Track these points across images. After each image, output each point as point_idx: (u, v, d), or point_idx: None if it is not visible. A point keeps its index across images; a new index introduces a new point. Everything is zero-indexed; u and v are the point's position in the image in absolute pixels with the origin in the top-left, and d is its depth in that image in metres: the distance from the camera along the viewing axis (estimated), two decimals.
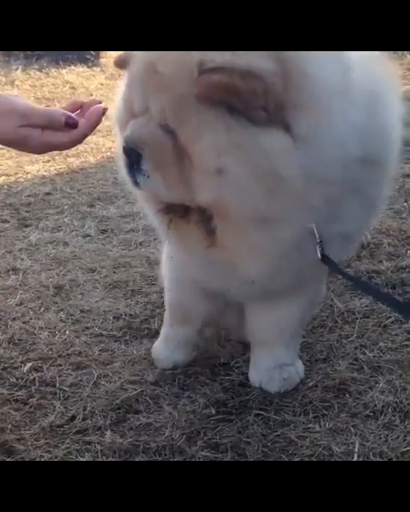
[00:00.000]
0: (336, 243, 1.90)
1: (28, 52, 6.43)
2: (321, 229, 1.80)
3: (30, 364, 2.42)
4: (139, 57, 1.76)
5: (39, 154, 1.70)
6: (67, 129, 1.55)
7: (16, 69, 6.29)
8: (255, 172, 1.66)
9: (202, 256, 1.89)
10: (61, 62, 6.24)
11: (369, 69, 1.84)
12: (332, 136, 1.69)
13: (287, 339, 2.25)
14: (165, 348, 2.38)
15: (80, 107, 1.65)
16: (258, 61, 1.63)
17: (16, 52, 6.50)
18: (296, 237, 1.80)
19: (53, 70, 6.19)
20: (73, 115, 1.59)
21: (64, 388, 2.31)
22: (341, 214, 1.85)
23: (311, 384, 2.27)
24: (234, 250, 1.81)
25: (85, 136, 1.67)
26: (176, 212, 1.85)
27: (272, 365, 2.25)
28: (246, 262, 1.85)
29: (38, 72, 6.20)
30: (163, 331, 2.43)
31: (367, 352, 2.40)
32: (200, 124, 1.66)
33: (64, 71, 6.16)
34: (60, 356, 2.47)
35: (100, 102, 1.71)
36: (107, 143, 4.60)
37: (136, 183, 1.79)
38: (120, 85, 1.91)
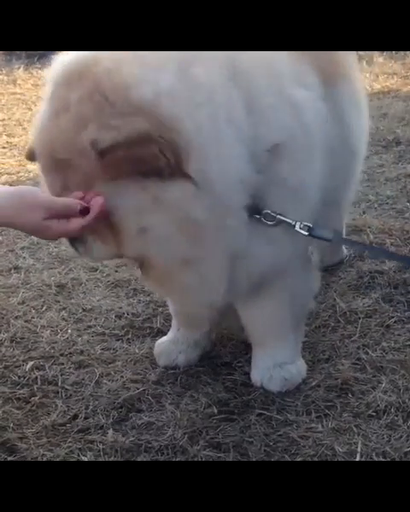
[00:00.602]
0: (282, 239, 1.94)
1: (30, 51, 6.44)
2: (265, 231, 1.88)
3: (32, 363, 2.42)
4: (37, 143, 1.81)
5: (55, 240, 1.99)
6: (80, 216, 1.72)
7: (18, 68, 6.29)
8: (175, 222, 1.75)
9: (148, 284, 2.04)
10: None
11: (243, 75, 1.84)
12: (220, 166, 1.75)
13: (283, 336, 2.25)
14: (173, 348, 2.38)
15: (82, 198, 1.76)
16: (140, 124, 1.67)
17: (18, 51, 6.50)
18: (226, 264, 1.88)
19: None
20: (85, 204, 1.72)
21: (66, 387, 2.31)
22: (269, 207, 1.88)
23: (313, 384, 2.26)
24: (169, 292, 1.95)
25: (92, 222, 1.77)
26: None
27: (272, 364, 2.26)
28: (186, 299, 1.97)
29: (40, 71, 6.19)
30: (171, 332, 2.43)
31: (370, 352, 2.40)
32: (112, 195, 1.73)
33: None
34: (62, 354, 2.47)
35: (99, 195, 1.77)
36: None
37: (78, 253, 1.88)
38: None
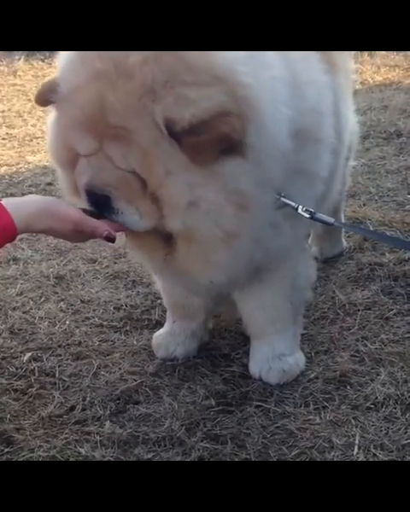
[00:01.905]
0: (285, 224, 1.97)
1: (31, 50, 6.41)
2: (271, 215, 1.89)
3: (30, 354, 2.42)
4: (77, 101, 1.74)
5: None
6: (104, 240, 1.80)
7: (19, 59, 6.26)
8: (225, 196, 1.75)
9: (162, 265, 1.95)
10: None
11: (289, 64, 1.87)
12: (271, 137, 1.77)
13: (280, 327, 2.24)
14: (171, 340, 2.38)
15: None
16: (218, 96, 1.67)
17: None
18: (252, 243, 1.89)
19: (56, 60, 6.17)
20: (113, 233, 1.77)
21: (64, 378, 2.30)
22: (290, 196, 1.90)
23: (312, 376, 2.26)
24: (193, 265, 1.89)
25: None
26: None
27: (270, 355, 2.25)
28: (203, 273, 1.93)
29: (40, 63, 6.18)
30: (167, 325, 2.43)
31: (369, 344, 2.39)
32: (168, 170, 1.72)
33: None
34: (60, 346, 2.47)
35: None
36: None
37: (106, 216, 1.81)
38: (50, 120, 1.90)
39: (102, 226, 1.76)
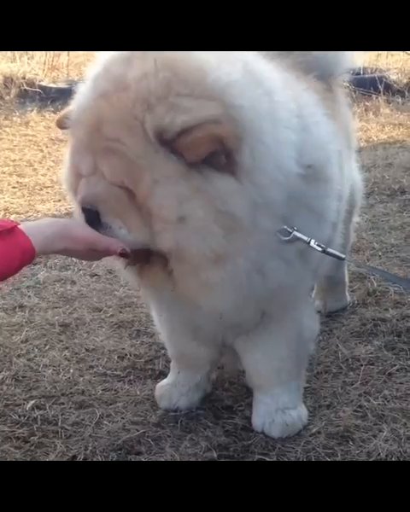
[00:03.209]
0: (296, 260, 1.99)
1: (43, 94, 6.57)
2: (281, 248, 1.91)
3: (33, 402, 2.42)
4: (82, 120, 1.84)
5: None
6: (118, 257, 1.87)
7: (31, 111, 6.42)
8: (214, 215, 1.77)
9: (172, 297, 1.96)
10: None
11: (291, 90, 1.96)
12: (273, 164, 1.81)
13: (284, 379, 2.25)
14: (174, 390, 2.38)
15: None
16: (213, 108, 1.73)
17: (31, 94, 6.64)
18: (249, 269, 1.89)
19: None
20: (127, 248, 1.83)
21: (66, 427, 2.30)
22: (300, 232, 1.92)
23: (314, 430, 2.25)
24: (192, 290, 1.90)
25: None
26: (141, 260, 1.92)
27: (273, 408, 2.25)
28: (206, 299, 1.92)
29: (52, 114, 6.31)
30: (171, 376, 2.43)
31: (372, 400, 2.39)
32: (155, 181, 1.76)
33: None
34: (63, 394, 2.47)
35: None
36: None
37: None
38: (68, 148, 1.99)
39: (115, 243, 1.82)
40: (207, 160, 1.73)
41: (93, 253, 1.86)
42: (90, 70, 1.90)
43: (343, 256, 2.05)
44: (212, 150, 1.72)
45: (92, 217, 1.83)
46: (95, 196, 1.83)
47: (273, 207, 1.84)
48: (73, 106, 1.91)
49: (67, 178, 1.99)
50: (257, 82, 1.84)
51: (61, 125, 1.97)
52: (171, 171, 1.74)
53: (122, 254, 1.82)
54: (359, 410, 2.35)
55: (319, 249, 1.95)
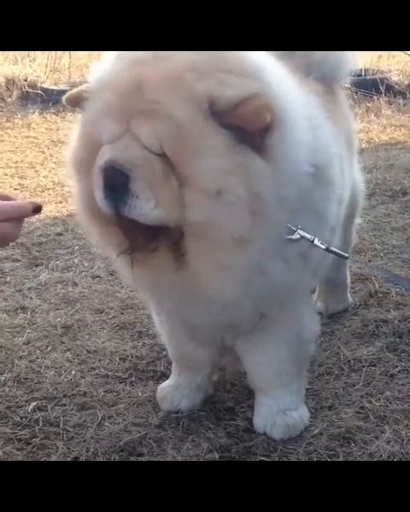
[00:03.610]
0: (296, 261, 1.99)
1: (45, 96, 6.58)
2: (282, 248, 1.91)
3: (34, 404, 2.42)
4: (111, 85, 1.78)
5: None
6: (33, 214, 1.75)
7: (33, 112, 6.42)
8: (247, 194, 1.75)
9: (172, 284, 1.90)
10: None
11: (304, 92, 1.99)
12: (293, 157, 1.83)
13: (285, 381, 2.25)
14: (176, 392, 2.38)
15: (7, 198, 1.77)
16: (256, 84, 1.75)
17: (33, 96, 6.65)
18: (262, 259, 1.88)
19: (69, 114, 6.31)
20: (37, 202, 1.74)
21: (68, 429, 2.30)
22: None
23: (316, 431, 2.25)
24: (204, 271, 1.85)
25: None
26: (138, 249, 1.87)
27: (275, 410, 2.25)
28: (214, 283, 1.88)
29: (54, 116, 6.33)
30: (172, 377, 2.43)
31: (373, 401, 2.39)
32: (201, 149, 1.72)
33: (80, 115, 6.28)
34: (65, 396, 2.47)
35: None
36: None
37: (116, 207, 1.76)
38: (74, 129, 1.94)
39: (24, 203, 1.72)
40: (247, 138, 1.72)
41: (10, 226, 1.68)
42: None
43: (346, 255, 2.06)
44: (269, 120, 1.72)
45: (119, 182, 1.72)
46: (126, 158, 1.73)
47: (287, 201, 1.83)
48: (92, 79, 1.86)
49: (77, 156, 1.89)
50: (283, 75, 1.89)
51: (75, 98, 1.87)
52: (218, 142, 1.72)
53: (36, 210, 1.71)
54: (361, 411, 2.35)
55: (323, 247, 1.96)
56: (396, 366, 2.59)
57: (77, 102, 1.88)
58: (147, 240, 1.84)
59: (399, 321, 2.87)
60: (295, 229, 1.91)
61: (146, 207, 1.74)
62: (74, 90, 1.90)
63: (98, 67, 1.89)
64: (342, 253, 2.03)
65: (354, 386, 2.49)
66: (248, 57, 1.81)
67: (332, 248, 1.99)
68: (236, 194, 1.73)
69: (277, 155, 1.78)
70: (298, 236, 1.92)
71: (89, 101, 1.83)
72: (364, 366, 2.60)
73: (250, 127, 1.72)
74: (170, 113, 1.71)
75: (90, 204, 1.86)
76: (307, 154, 1.87)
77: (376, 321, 2.89)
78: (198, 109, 1.71)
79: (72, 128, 1.98)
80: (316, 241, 1.94)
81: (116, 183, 1.73)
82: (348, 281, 3.06)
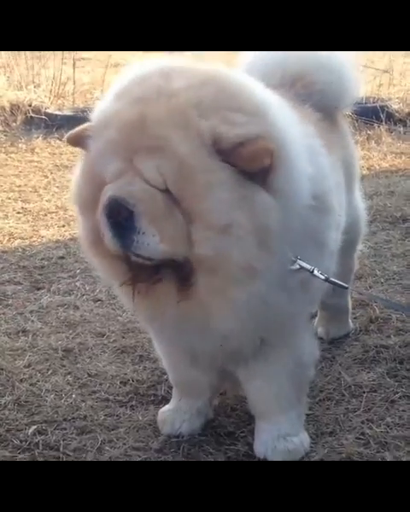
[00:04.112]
0: (297, 289, 2.01)
1: (49, 122, 6.64)
2: (284, 278, 1.92)
3: (34, 427, 2.42)
4: (114, 122, 1.80)
5: None
6: None
7: (37, 137, 6.47)
8: (254, 227, 1.77)
9: (174, 315, 1.91)
10: None
11: (301, 122, 2.01)
12: (297, 191, 1.86)
13: (285, 406, 2.25)
14: (176, 417, 2.38)
15: None
16: (262, 124, 1.79)
17: (37, 121, 6.71)
18: (268, 289, 1.89)
19: None
20: None
21: (68, 452, 2.29)
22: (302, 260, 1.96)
23: (316, 458, 2.24)
24: (211, 304, 1.87)
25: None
26: (141, 280, 1.88)
27: (275, 435, 2.24)
28: (220, 315, 1.90)
29: (57, 141, 6.37)
30: (173, 402, 2.43)
31: (374, 427, 2.39)
32: (208, 184, 1.74)
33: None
34: (65, 419, 2.47)
35: None
36: None
37: (123, 246, 1.79)
38: (77, 167, 1.95)
39: None
40: (257, 171, 1.76)
41: None
42: (114, 85, 1.90)
43: (346, 285, 2.08)
44: (269, 162, 1.75)
45: (123, 218, 1.74)
46: (131, 194, 1.75)
47: (291, 235, 1.87)
48: (94, 118, 1.88)
49: (81, 194, 1.91)
50: (285, 109, 1.93)
51: (77, 137, 1.89)
52: (224, 177, 1.74)
53: None
54: (361, 437, 2.35)
55: (322, 278, 1.97)
56: (397, 392, 2.59)
57: (78, 142, 1.91)
58: (151, 272, 1.86)
59: (399, 347, 2.87)
60: (295, 259, 1.93)
61: (152, 243, 1.76)
62: (75, 130, 1.92)
63: (99, 107, 1.92)
64: (342, 284, 2.05)
65: (355, 411, 2.49)
66: (252, 93, 1.84)
67: (331, 279, 2.01)
68: (243, 227, 1.76)
69: (281, 190, 1.81)
70: (298, 267, 1.94)
71: (91, 139, 1.85)
72: (365, 392, 2.60)
73: (249, 169, 1.75)
74: (174, 149, 1.73)
75: (94, 239, 1.89)
76: (309, 186, 1.90)
77: (376, 347, 2.89)
78: (202, 146, 1.73)
79: (75, 163, 2.01)
80: (315, 272, 1.96)
81: (120, 218, 1.75)
82: (350, 306, 3.07)
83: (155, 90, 1.79)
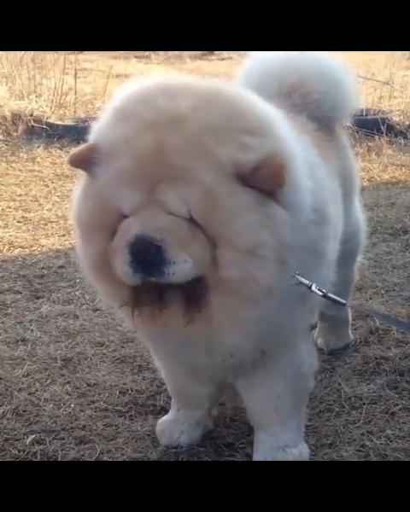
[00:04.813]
0: (297, 301, 2.01)
1: (50, 131, 6.66)
2: (285, 292, 1.92)
3: (33, 437, 2.41)
4: (128, 152, 1.76)
5: None
6: None
7: (38, 147, 6.49)
8: (276, 244, 1.78)
9: (180, 335, 1.90)
10: (81, 142, 6.44)
11: (297, 133, 2.03)
12: (302, 204, 1.88)
13: (284, 418, 2.23)
14: (175, 427, 2.37)
15: None
16: (273, 144, 1.81)
17: (38, 131, 6.73)
18: (274, 305, 1.90)
19: (73, 149, 6.37)
20: None
21: (65, 461, 2.27)
22: (302, 274, 1.95)
23: None
24: (224, 324, 1.86)
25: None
26: (144, 302, 1.86)
27: (274, 446, 2.23)
28: (230, 333, 1.90)
29: (58, 150, 6.39)
30: (172, 412, 2.42)
31: (374, 439, 2.37)
32: (234, 208, 1.76)
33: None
34: (63, 429, 2.46)
35: None
36: None
37: (146, 277, 1.76)
38: (79, 188, 1.88)
39: None
40: (274, 189, 1.79)
41: None
42: (114, 103, 1.86)
43: (344, 302, 2.08)
44: (286, 179, 1.78)
45: (152, 252, 1.72)
46: (158, 227, 1.73)
47: (297, 248, 1.86)
48: (100, 140, 1.83)
49: (85, 213, 1.86)
50: (285, 122, 1.94)
51: (84, 161, 1.83)
52: (248, 200, 1.76)
53: None
54: (361, 449, 2.34)
55: (320, 294, 1.98)
56: (397, 404, 2.58)
57: (82, 165, 1.85)
58: (155, 294, 1.84)
59: (400, 358, 2.86)
60: (294, 275, 1.93)
61: (184, 269, 1.76)
62: (79, 151, 1.85)
63: (102, 127, 1.86)
64: (340, 300, 2.05)
65: (355, 423, 2.47)
66: (257, 110, 1.86)
67: (330, 295, 2.01)
68: (269, 246, 1.78)
69: (291, 204, 1.83)
70: (298, 282, 1.94)
71: (99, 165, 1.81)
72: (364, 404, 2.58)
73: (269, 188, 1.78)
74: (197, 178, 1.74)
75: (99, 264, 1.86)
76: (310, 199, 1.91)
77: (377, 358, 2.88)
78: (223, 173, 1.75)
79: (76, 173, 1.96)
80: (313, 287, 1.96)
81: (149, 256, 1.74)
82: (350, 318, 3.06)
83: (164, 113, 1.77)
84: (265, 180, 1.76)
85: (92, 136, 1.89)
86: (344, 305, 2.12)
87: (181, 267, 1.75)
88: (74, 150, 1.88)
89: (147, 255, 1.73)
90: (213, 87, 1.87)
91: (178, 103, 1.78)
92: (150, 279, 1.77)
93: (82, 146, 1.87)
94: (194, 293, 1.82)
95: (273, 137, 1.82)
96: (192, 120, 1.75)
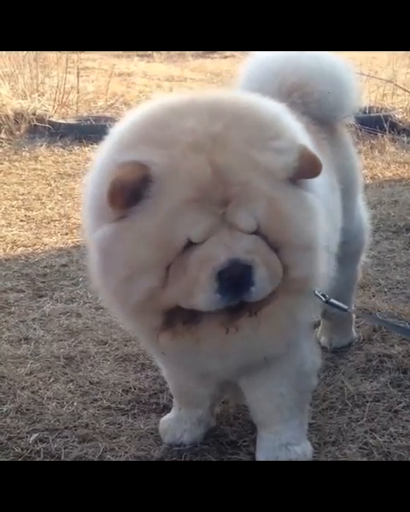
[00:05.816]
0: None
1: (53, 130, 6.66)
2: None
3: (36, 435, 2.41)
4: (181, 179, 1.74)
5: None
6: None
7: (40, 146, 6.48)
8: (320, 231, 1.90)
9: (215, 345, 1.90)
10: (83, 140, 6.45)
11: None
12: (317, 188, 1.96)
13: (287, 416, 2.23)
14: (177, 426, 2.37)
15: None
16: (296, 141, 1.90)
17: (41, 129, 6.72)
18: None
19: (76, 147, 6.38)
20: None
21: (69, 461, 2.28)
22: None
23: None
24: (267, 330, 1.89)
25: None
26: (175, 322, 1.85)
27: (277, 444, 2.23)
28: (269, 339, 1.94)
29: (61, 149, 6.38)
30: (174, 411, 2.42)
31: (377, 437, 2.37)
32: (291, 210, 1.83)
33: (87, 148, 6.35)
34: (66, 427, 2.46)
35: None
36: None
37: (239, 297, 1.78)
38: (118, 234, 1.76)
39: None
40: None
41: None
42: (133, 129, 1.83)
43: (345, 307, 2.11)
44: (311, 175, 1.87)
45: (245, 275, 1.75)
46: (246, 249, 1.76)
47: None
48: (140, 171, 1.73)
49: (138, 255, 1.75)
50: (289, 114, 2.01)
51: (134, 197, 1.72)
52: (298, 199, 1.85)
53: None
54: (364, 447, 2.33)
55: (323, 300, 2.01)
56: (400, 402, 2.57)
57: (134, 200, 1.74)
58: (191, 313, 1.84)
59: (403, 356, 2.86)
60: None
61: (267, 284, 1.81)
62: (130, 179, 1.70)
63: (134, 155, 1.75)
64: (341, 305, 2.08)
65: (358, 421, 2.47)
66: (276, 115, 1.93)
67: (332, 300, 2.04)
68: (317, 235, 1.87)
69: (313, 187, 1.92)
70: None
71: (157, 194, 1.74)
72: (368, 401, 2.58)
73: (313, 177, 1.87)
74: (259, 190, 1.79)
75: (143, 302, 1.80)
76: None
77: (380, 356, 2.87)
78: (275, 178, 1.81)
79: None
80: (316, 292, 1.99)
81: (240, 279, 1.76)
82: (353, 315, 3.06)
83: (202, 135, 1.78)
84: (307, 173, 1.85)
85: (113, 164, 1.78)
86: (345, 310, 2.15)
87: (265, 283, 1.79)
88: (119, 186, 1.72)
89: (241, 279, 1.75)
90: (230, 102, 1.92)
91: (211, 125, 1.81)
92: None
93: (127, 175, 1.72)
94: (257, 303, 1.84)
95: (290, 133, 1.90)
96: (231, 137, 1.81)
